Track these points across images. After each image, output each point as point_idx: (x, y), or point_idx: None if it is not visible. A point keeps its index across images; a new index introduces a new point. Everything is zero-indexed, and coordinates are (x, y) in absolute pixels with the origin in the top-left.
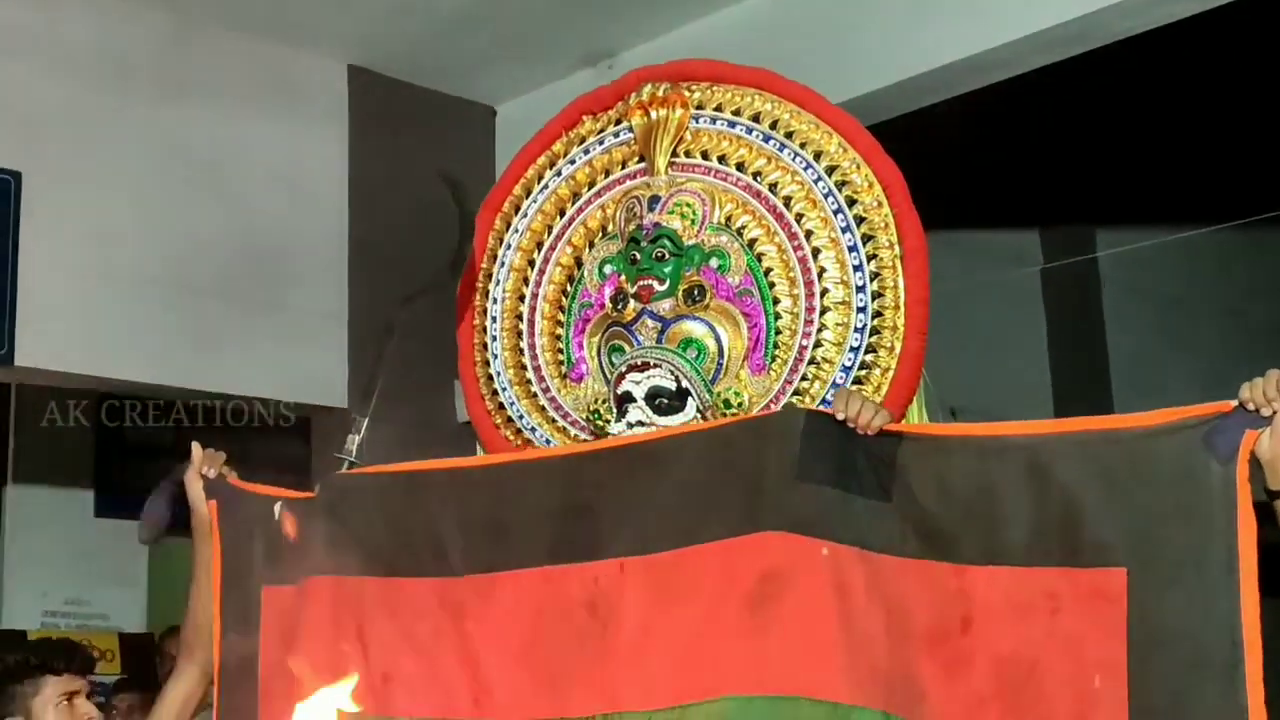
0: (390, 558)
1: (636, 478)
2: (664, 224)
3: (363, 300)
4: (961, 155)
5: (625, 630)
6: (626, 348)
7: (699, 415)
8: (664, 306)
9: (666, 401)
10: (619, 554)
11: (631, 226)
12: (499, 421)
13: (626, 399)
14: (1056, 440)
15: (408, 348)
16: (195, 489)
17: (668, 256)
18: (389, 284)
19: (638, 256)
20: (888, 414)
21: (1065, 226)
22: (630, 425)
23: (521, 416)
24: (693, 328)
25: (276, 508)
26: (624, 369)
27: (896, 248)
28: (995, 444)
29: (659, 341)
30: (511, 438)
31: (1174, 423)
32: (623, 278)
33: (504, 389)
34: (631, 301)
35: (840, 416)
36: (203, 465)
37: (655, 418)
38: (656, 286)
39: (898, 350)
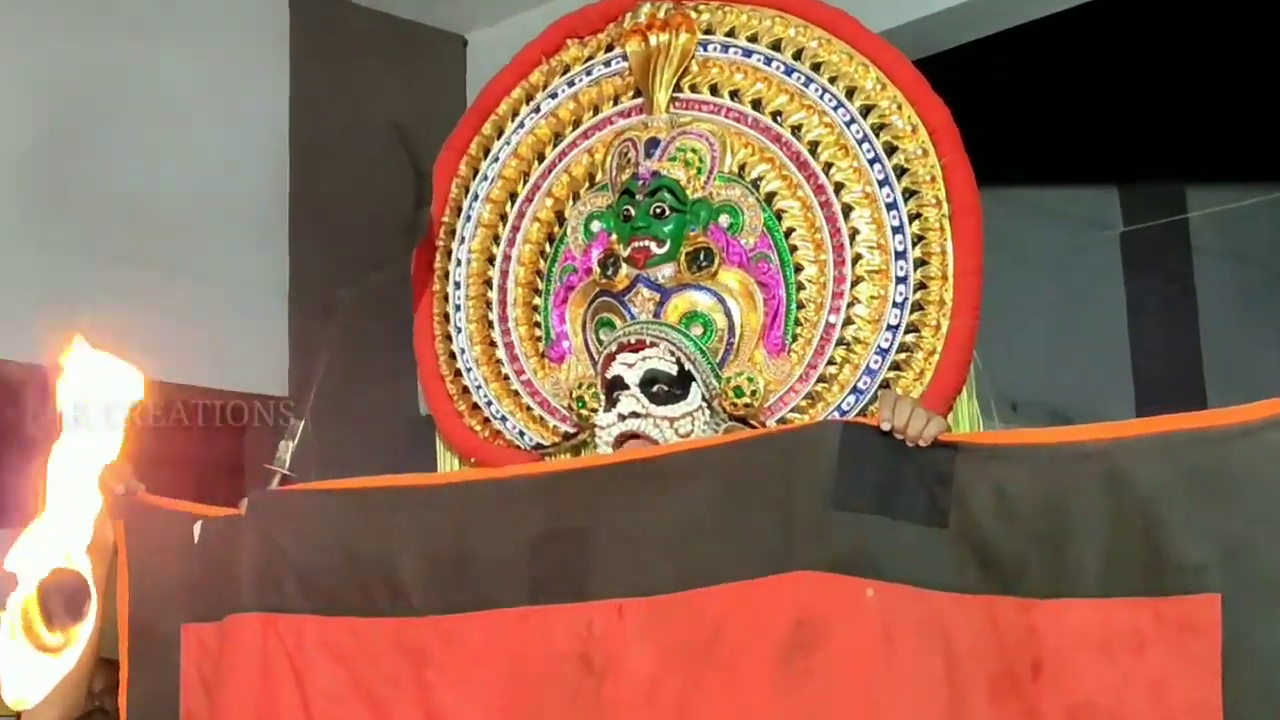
0: (336, 592)
1: (637, 501)
2: (664, 173)
3: (307, 267)
4: (1026, 97)
5: (626, 688)
6: (617, 322)
7: (704, 405)
8: (663, 273)
9: (665, 388)
10: (617, 594)
11: (625, 176)
12: (463, 409)
13: (617, 385)
14: (1137, 444)
15: (361, 327)
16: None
17: (668, 213)
18: (339, 247)
19: (632, 212)
20: (942, 421)
21: (1149, 183)
22: (622, 417)
23: (490, 403)
24: (697, 299)
25: (197, 528)
26: (614, 348)
27: (944, 205)
28: (1066, 451)
29: (657, 315)
30: (478, 429)
31: (1277, 417)
32: (614, 238)
33: (469, 369)
34: (624, 266)
35: (886, 427)
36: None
37: (652, 407)
38: (654, 249)
39: (944, 329)
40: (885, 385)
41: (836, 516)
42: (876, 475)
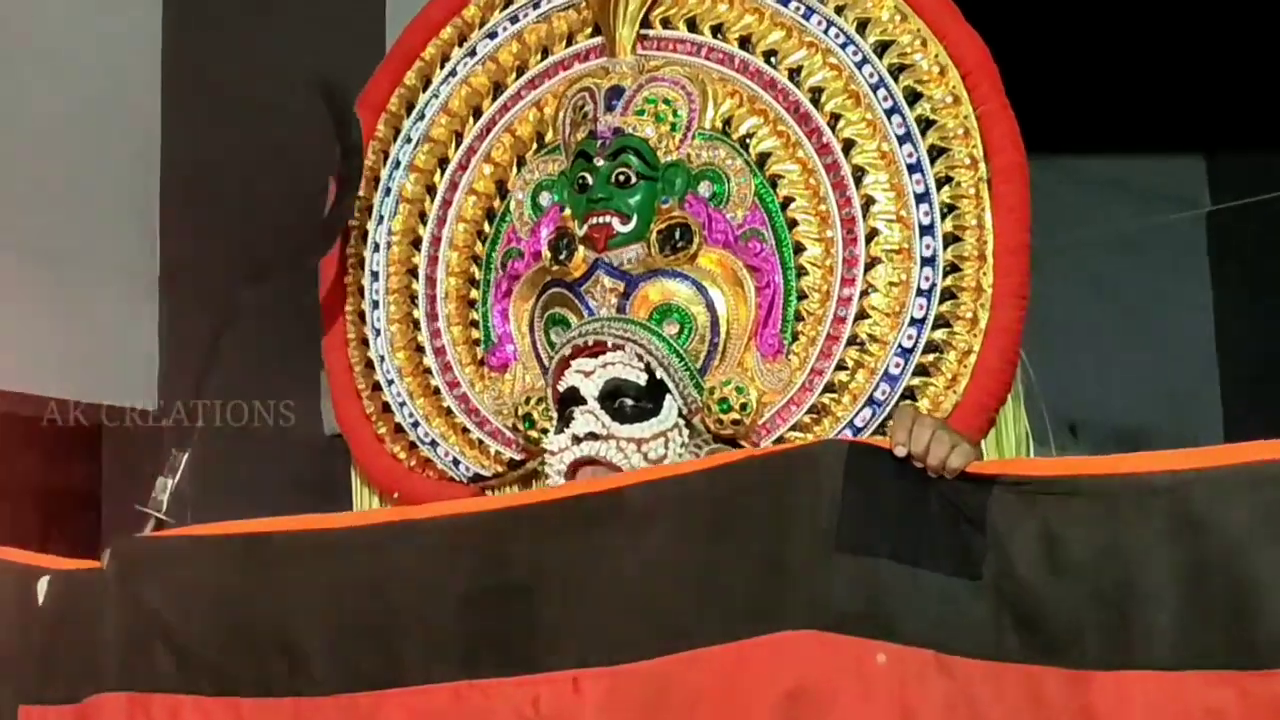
0: (220, 665)
1: (594, 546)
2: (629, 130)
3: (183, 248)
4: (1092, 45)
5: None
6: (573, 319)
7: (681, 422)
8: (628, 256)
9: (632, 402)
10: (571, 663)
11: (581, 134)
12: (384, 431)
13: (572, 398)
14: (1220, 477)
15: (252, 328)
16: None
17: (634, 180)
18: (225, 225)
19: (589, 180)
20: (970, 449)
21: (1242, 153)
22: (576, 439)
23: (417, 424)
24: (672, 288)
25: (41, 585)
26: (568, 352)
27: (981, 167)
28: (1130, 486)
29: (621, 310)
30: (403, 456)
31: None
32: (567, 212)
33: (390, 381)
34: (580, 249)
35: (901, 452)
36: None
37: (614, 426)
38: (617, 226)
39: (982, 324)
40: (908, 396)
41: (840, 561)
42: (892, 510)
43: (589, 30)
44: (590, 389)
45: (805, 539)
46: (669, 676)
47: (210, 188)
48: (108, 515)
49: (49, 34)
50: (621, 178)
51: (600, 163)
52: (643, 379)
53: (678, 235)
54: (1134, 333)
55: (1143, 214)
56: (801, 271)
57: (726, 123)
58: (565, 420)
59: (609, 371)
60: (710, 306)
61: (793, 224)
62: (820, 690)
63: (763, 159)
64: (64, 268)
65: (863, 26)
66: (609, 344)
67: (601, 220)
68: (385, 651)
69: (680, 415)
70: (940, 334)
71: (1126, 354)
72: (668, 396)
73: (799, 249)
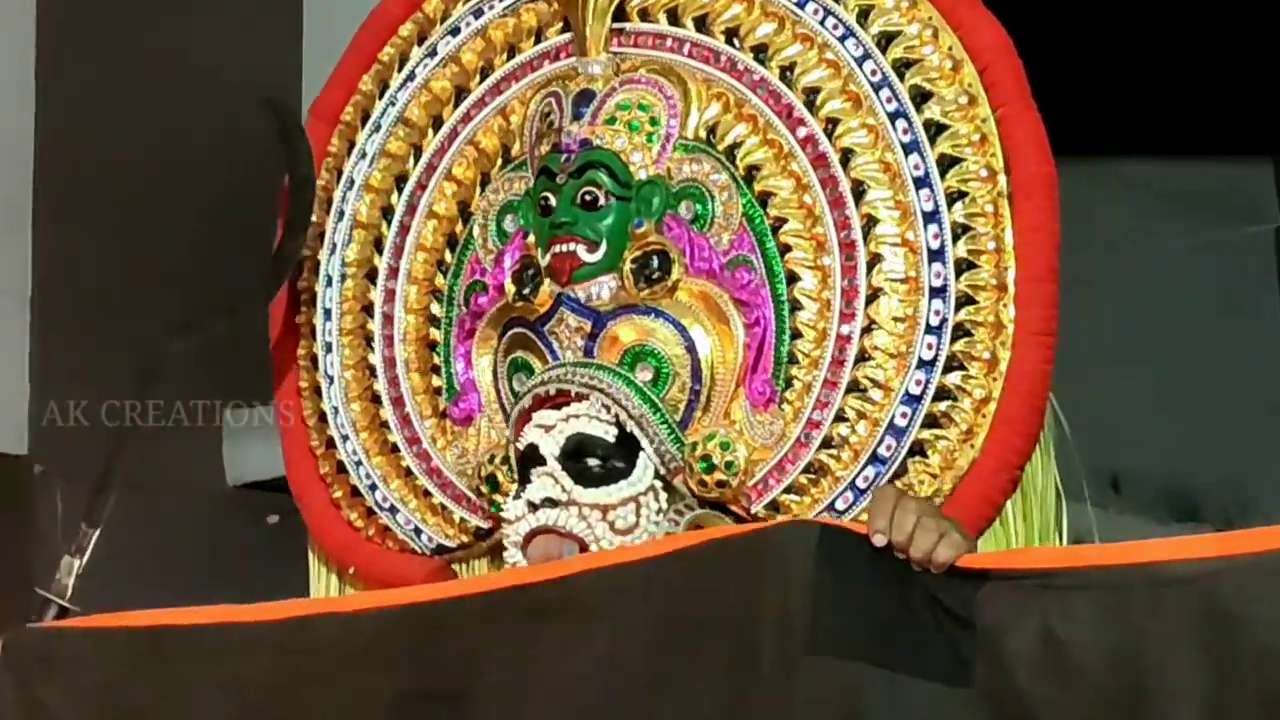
0: None
1: (532, 648)
2: (597, 142)
3: (62, 263)
4: (1147, 41)
5: None
6: (537, 364)
7: (657, 485)
8: (596, 290)
9: (598, 462)
10: None
11: (545, 148)
12: (339, 495)
13: (531, 458)
14: (1250, 566)
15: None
16: None
17: (603, 201)
18: (111, 244)
19: (551, 201)
20: (961, 539)
21: None
22: (532, 505)
23: (374, 486)
24: (647, 328)
25: None
26: (528, 403)
27: (1000, 179)
28: (1147, 577)
29: (588, 353)
30: (359, 523)
31: None
32: (531, 239)
33: (345, 437)
34: (546, 282)
35: (880, 541)
36: None
37: (576, 490)
38: (583, 255)
39: (1002, 366)
40: (916, 451)
41: (813, 665)
42: (870, 607)
43: (559, 25)
44: (550, 446)
45: (773, 639)
46: None
47: (93, 194)
48: None
49: None
50: (588, 198)
51: (564, 181)
52: (611, 434)
53: (655, 264)
54: (1193, 370)
55: (1201, 230)
56: (796, 305)
57: (711, 131)
58: (524, 483)
59: (572, 426)
60: (691, 348)
61: (785, 250)
62: None
63: (751, 173)
64: None
65: (865, 15)
66: (572, 393)
67: (565, 248)
68: None
69: (657, 476)
70: (953, 378)
71: (1184, 395)
72: (642, 454)
73: (792, 279)
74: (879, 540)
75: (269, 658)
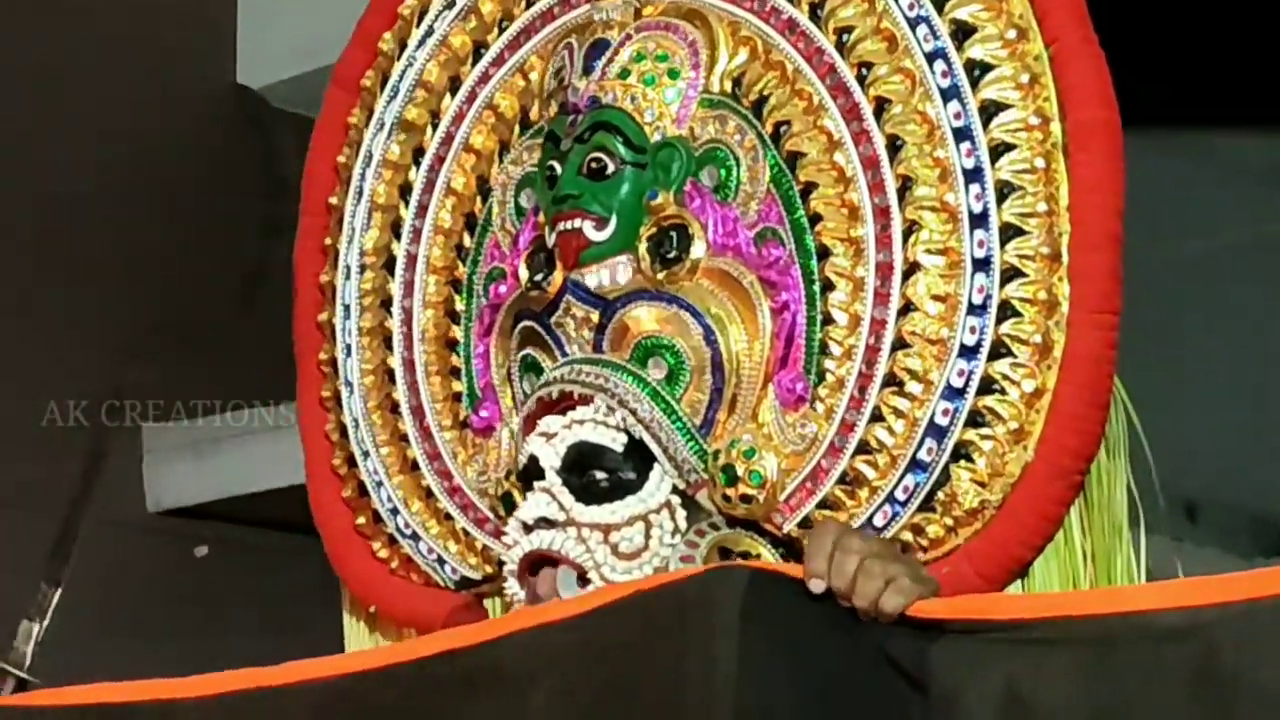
0: None
1: (471, 717)
2: (606, 99)
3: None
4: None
5: None
6: (546, 363)
7: (676, 501)
8: (609, 274)
9: (606, 476)
10: None
11: (552, 108)
12: (363, 521)
13: (532, 471)
14: (1251, 615)
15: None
16: None
17: (611, 169)
18: (13, 207)
19: (557, 170)
20: (912, 585)
21: None
22: (526, 527)
23: (395, 510)
24: (659, 316)
25: None
26: (533, 408)
27: (1054, 127)
28: (1130, 629)
29: (597, 347)
30: (383, 553)
31: None
32: (541, 217)
33: (366, 454)
34: (558, 267)
35: (818, 587)
36: None
37: (577, 509)
38: (590, 232)
39: (1056, 352)
40: (961, 455)
41: None
42: (806, 662)
43: None
44: (550, 458)
45: (698, 705)
46: None
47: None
48: None
49: None
50: (595, 165)
51: (569, 146)
52: (619, 442)
53: (674, 240)
54: (1277, 376)
55: None
56: (828, 285)
57: (737, 82)
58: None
59: (574, 433)
60: (711, 339)
61: (815, 219)
62: None
63: (779, 130)
64: None
65: None
66: (575, 395)
67: (570, 225)
68: None
69: (675, 491)
70: (999, 368)
71: (1267, 406)
72: (655, 465)
73: (823, 253)
74: (817, 586)
75: None
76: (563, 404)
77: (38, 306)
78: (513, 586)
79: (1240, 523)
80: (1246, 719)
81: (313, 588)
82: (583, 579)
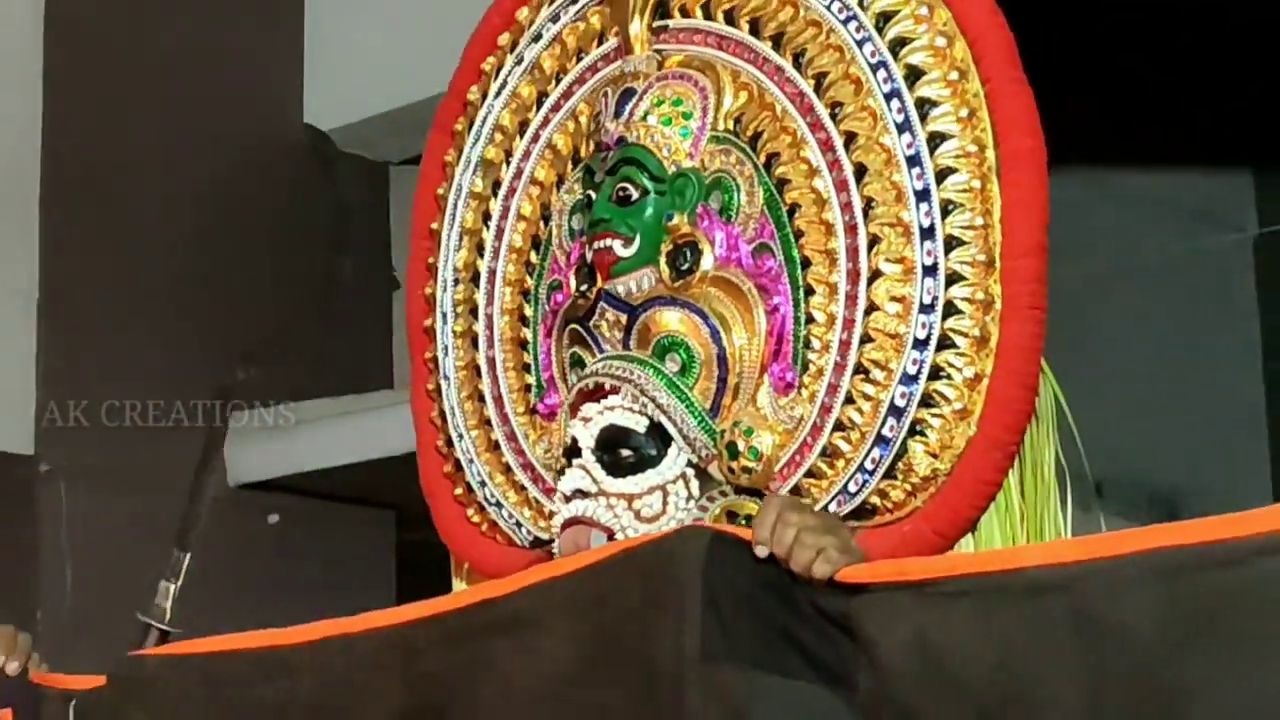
0: None
1: (495, 661)
2: (632, 138)
3: (68, 266)
4: (1131, 50)
5: None
6: (588, 359)
7: (688, 473)
8: (636, 283)
9: (631, 453)
10: None
11: (590, 146)
12: (460, 491)
13: (573, 451)
14: (1114, 570)
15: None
16: None
17: (635, 196)
18: (119, 237)
19: (592, 197)
20: (840, 555)
21: None
22: (565, 498)
23: (483, 483)
24: (672, 318)
25: (71, 710)
26: (574, 398)
27: (988, 154)
28: (1016, 583)
29: (626, 346)
30: (475, 519)
31: None
32: (585, 238)
33: (460, 436)
34: (597, 277)
35: (762, 552)
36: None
37: (606, 480)
38: (619, 250)
39: (992, 343)
40: (915, 431)
41: (703, 673)
42: (759, 613)
43: (616, 27)
44: (586, 438)
45: (668, 648)
46: None
47: (102, 191)
48: None
49: None
50: (622, 194)
51: (601, 179)
52: (642, 424)
53: (687, 255)
54: (1173, 375)
55: (1183, 238)
56: (809, 290)
57: (737, 121)
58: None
59: (605, 418)
60: (716, 337)
61: (799, 235)
62: None
63: (770, 161)
64: None
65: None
66: (607, 386)
67: (603, 244)
68: None
69: (690, 465)
70: (944, 357)
71: (1165, 400)
72: (673, 443)
73: (805, 264)
74: (760, 551)
75: (310, 676)
76: (597, 394)
77: (160, 322)
78: (558, 544)
79: (1140, 497)
80: (1112, 657)
81: (364, 549)
82: (611, 539)
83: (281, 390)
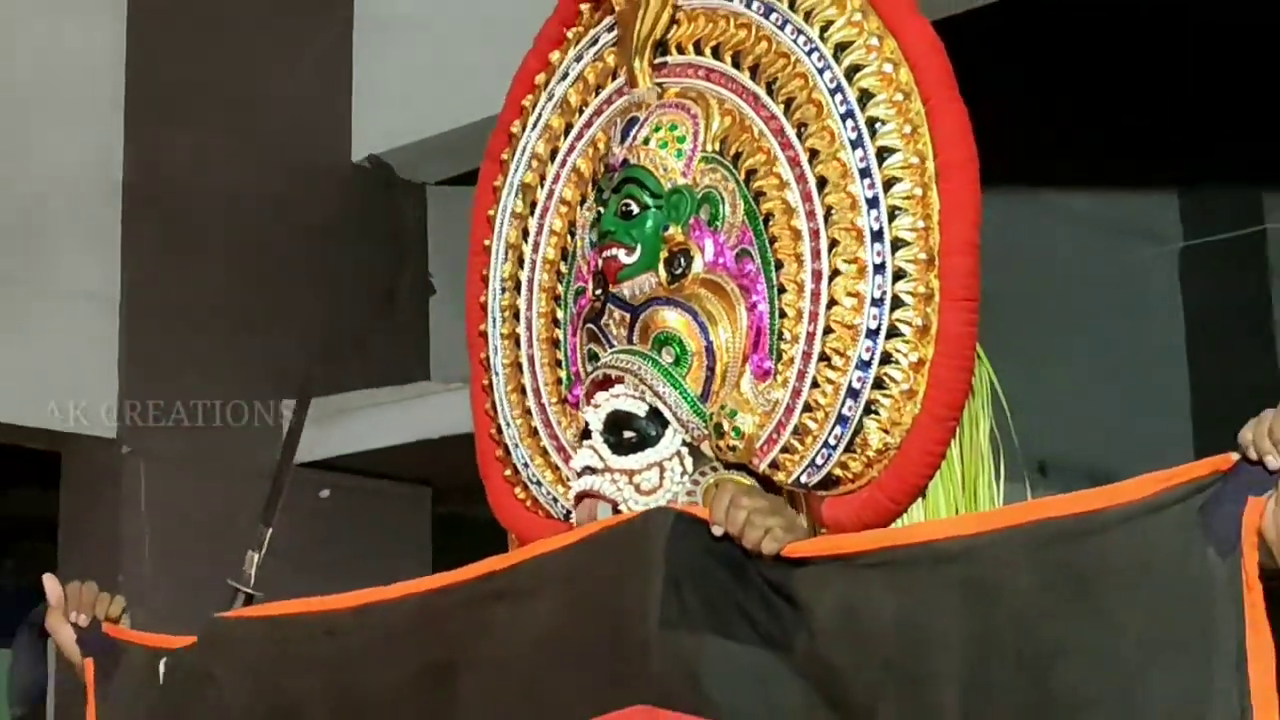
0: None
1: (496, 626)
2: (634, 160)
3: (147, 267)
4: (1064, 79)
5: None
6: (599, 353)
7: (683, 450)
8: (636, 288)
9: (635, 435)
10: None
11: (601, 168)
12: (508, 472)
13: (584, 432)
14: (1000, 540)
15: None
16: (64, 638)
17: (637, 211)
18: (191, 250)
19: (601, 212)
20: (785, 535)
21: (1217, 188)
22: (576, 474)
23: (526, 464)
24: (668, 316)
25: (162, 666)
26: (588, 387)
27: (928, 165)
28: (923, 554)
29: (630, 342)
30: (521, 496)
31: (1160, 495)
32: (595, 246)
33: (507, 424)
34: (608, 283)
35: (718, 532)
36: (68, 609)
37: (611, 459)
38: (623, 258)
39: (933, 331)
40: (870, 410)
41: (665, 637)
42: (714, 584)
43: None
44: (596, 422)
45: (636, 615)
46: None
47: (175, 206)
48: (65, 543)
49: (6, 50)
50: (625, 208)
51: (608, 196)
52: (643, 409)
53: (681, 261)
54: (1106, 370)
55: (1114, 250)
56: (782, 289)
57: (722, 143)
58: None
59: (612, 404)
60: (703, 332)
61: (773, 240)
62: None
63: (749, 177)
64: (19, 290)
65: (825, 30)
66: (613, 376)
67: (610, 254)
68: None
69: (684, 444)
70: (893, 345)
71: (1099, 391)
72: (670, 425)
73: (779, 265)
74: (716, 530)
75: (349, 638)
76: (606, 383)
77: (227, 323)
78: (574, 515)
79: (1079, 477)
80: (1004, 618)
81: (403, 520)
82: (615, 511)
83: (332, 382)
